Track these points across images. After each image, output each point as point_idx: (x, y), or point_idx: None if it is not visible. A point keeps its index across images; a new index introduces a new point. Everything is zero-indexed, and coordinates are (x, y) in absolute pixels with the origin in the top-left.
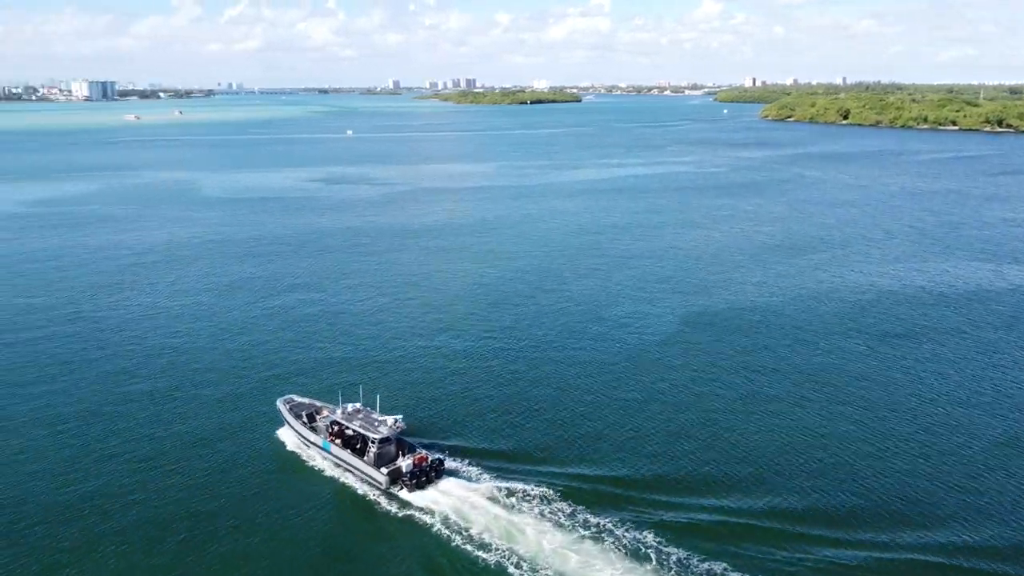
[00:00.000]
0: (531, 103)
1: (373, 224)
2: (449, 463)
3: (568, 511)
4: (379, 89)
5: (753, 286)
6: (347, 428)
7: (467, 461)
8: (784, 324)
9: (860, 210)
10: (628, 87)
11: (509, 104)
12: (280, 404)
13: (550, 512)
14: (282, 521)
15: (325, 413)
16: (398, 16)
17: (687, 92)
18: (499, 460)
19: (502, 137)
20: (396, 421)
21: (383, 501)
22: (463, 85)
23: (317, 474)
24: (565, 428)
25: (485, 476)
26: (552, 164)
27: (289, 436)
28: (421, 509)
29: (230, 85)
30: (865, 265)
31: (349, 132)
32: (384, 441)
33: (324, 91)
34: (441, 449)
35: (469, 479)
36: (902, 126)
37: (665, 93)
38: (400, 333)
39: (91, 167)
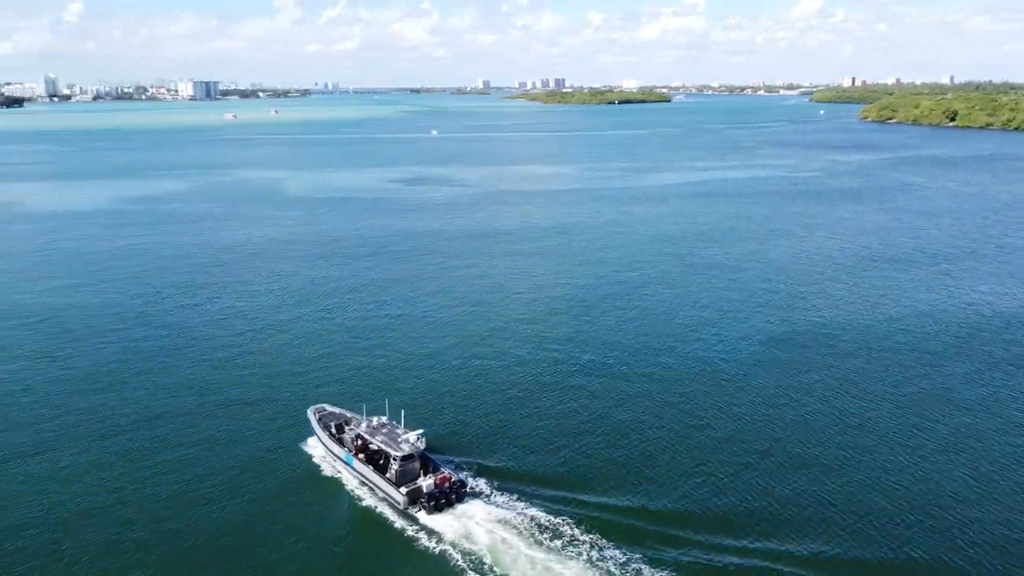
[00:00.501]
0: (619, 103)
1: (446, 227)
2: (475, 483)
3: (601, 547)
4: (469, 89)
5: (847, 303)
6: (371, 443)
7: (496, 482)
8: (882, 347)
9: (969, 221)
10: (720, 87)
11: (596, 104)
12: (311, 413)
13: (581, 547)
14: (291, 537)
15: (353, 425)
16: (490, 16)
17: (782, 92)
18: (531, 484)
19: (585, 138)
20: (418, 437)
21: (400, 522)
22: (552, 85)
23: (338, 489)
24: (613, 452)
25: (513, 501)
26: (635, 166)
27: (317, 447)
28: (438, 534)
29: (326, 85)
30: (975, 283)
31: (434, 132)
32: (406, 458)
33: (416, 91)
34: (470, 468)
35: (494, 503)
36: (1016, 128)
37: (759, 93)
38: (450, 343)
39: (185, 165)
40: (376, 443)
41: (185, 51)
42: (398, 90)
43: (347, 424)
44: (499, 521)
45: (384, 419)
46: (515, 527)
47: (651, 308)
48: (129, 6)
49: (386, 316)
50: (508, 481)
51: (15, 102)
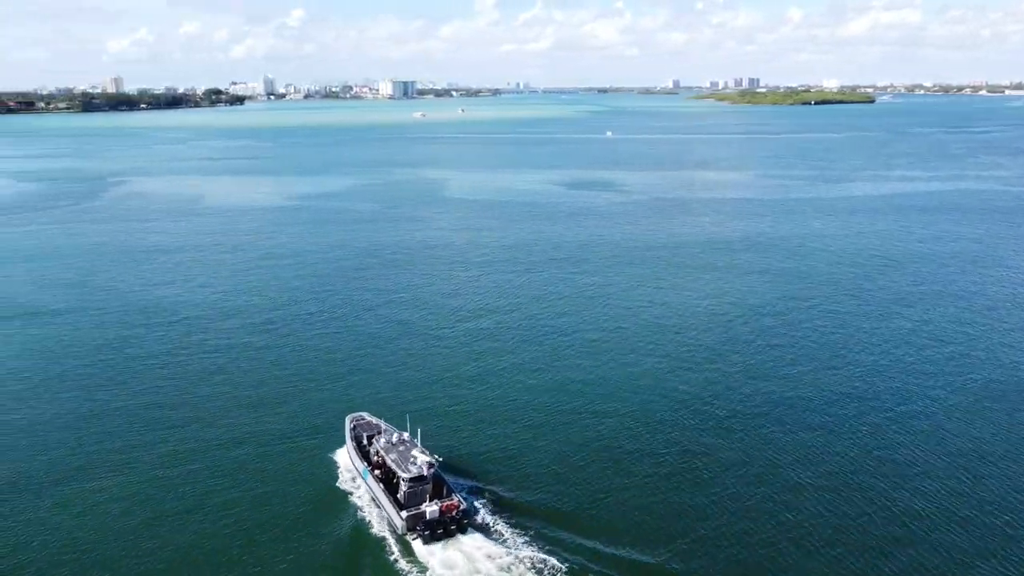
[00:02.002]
0: (814, 104)
1: (593, 237)
2: (484, 513)
3: None
4: (658, 88)
5: None
6: (386, 460)
7: (505, 514)
8: None
9: None
10: (934, 86)
11: (790, 105)
12: (347, 421)
13: None
14: (279, 547)
15: (376, 438)
16: (683, 15)
17: (1007, 92)
18: (543, 521)
19: (772, 141)
20: (430, 460)
21: (392, 547)
22: (745, 84)
23: (345, 503)
24: (642, 502)
25: (515, 537)
26: (823, 174)
27: (343, 456)
28: (423, 567)
29: (517, 85)
30: None
31: (608, 133)
32: (415, 480)
33: (604, 90)
34: (485, 494)
35: (495, 538)
36: None
37: (980, 93)
38: (535, 368)
39: (362, 163)
40: (389, 461)
41: (389, 52)
42: (586, 90)
43: (376, 436)
44: (493, 560)
45: (406, 436)
46: (506, 569)
47: (798, 344)
48: (343, 11)
49: (488, 331)
50: (518, 515)
51: (237, 100)
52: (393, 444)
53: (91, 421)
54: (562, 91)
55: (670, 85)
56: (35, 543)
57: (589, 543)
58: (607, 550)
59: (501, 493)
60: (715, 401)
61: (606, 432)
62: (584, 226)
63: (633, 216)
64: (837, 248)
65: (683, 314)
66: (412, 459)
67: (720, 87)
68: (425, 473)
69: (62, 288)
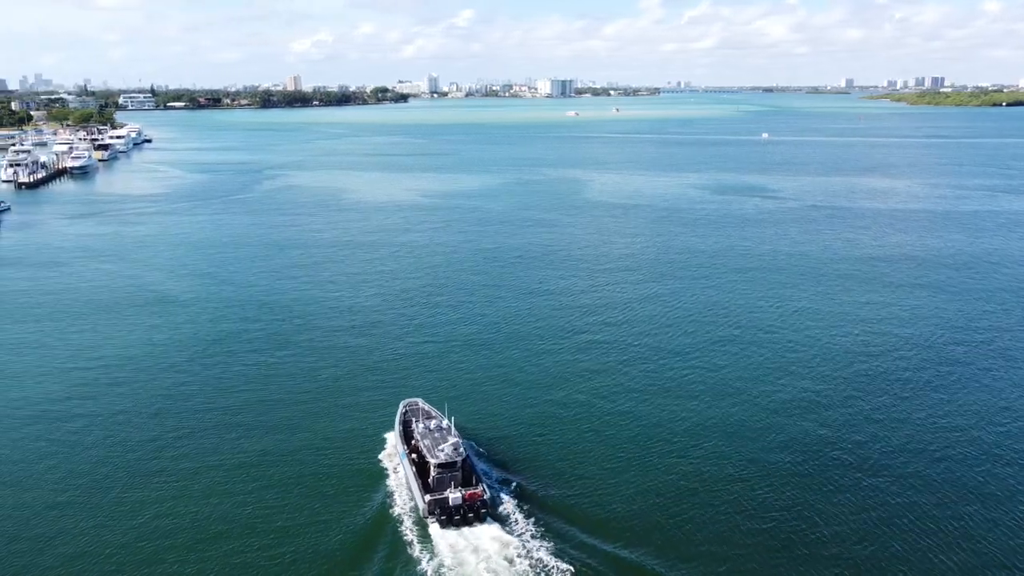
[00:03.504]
0: (1006, 105)
1: (735, 245)
2: (508, 504)
3: None
4: (828, 88)
5: None
6: (420, 444)
7: (530, 511)
8: None
9: None
10: None
11: (977, 106)
12: (400, 405)
13: None
14: (303, 520)
15: (415, 423)
16: (862, 10)
17: None
18: (569, 521)
19: (950, 146)
20: (460, 452)
21: (411, 529)
22: (927, 84)
23: (380, 484)
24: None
25: (534, 534)
26: (1009, 184)
27: (390, 439)
28: (433, 551)
29: (678, 84)
30: None
31: (765, 135)
32: (443, 466)
33: (768, 90)
34: (515, 490)
35: (511, 531)
36: None
37: None
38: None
39: (506, 161)
40: (423, 446)
41: (553, 52)
42: (750, 89)
43: (423, 419)
44: (502, 550)
45: (444, 423)
46: (510, 561)
47: (979, 402)
48: (510, 12)
49: (583, 336)
50: (542, 512)
51: (401, 98)
52: (430, 430)
53: (182, 411)
54: (724, 90)
55: (842, 84)
56: (116, 538)
57: (607, 548)
58: (623, 556)
59: (531, 489)
60: (825, 448)
61: (673, 457)
62: (725, 234)
63: (782, 225)
64: (1011, 272)
65: (819, 337)
66: (443, 445)
67: (898, 87)
68: (454, 460)
69: (193, 278)
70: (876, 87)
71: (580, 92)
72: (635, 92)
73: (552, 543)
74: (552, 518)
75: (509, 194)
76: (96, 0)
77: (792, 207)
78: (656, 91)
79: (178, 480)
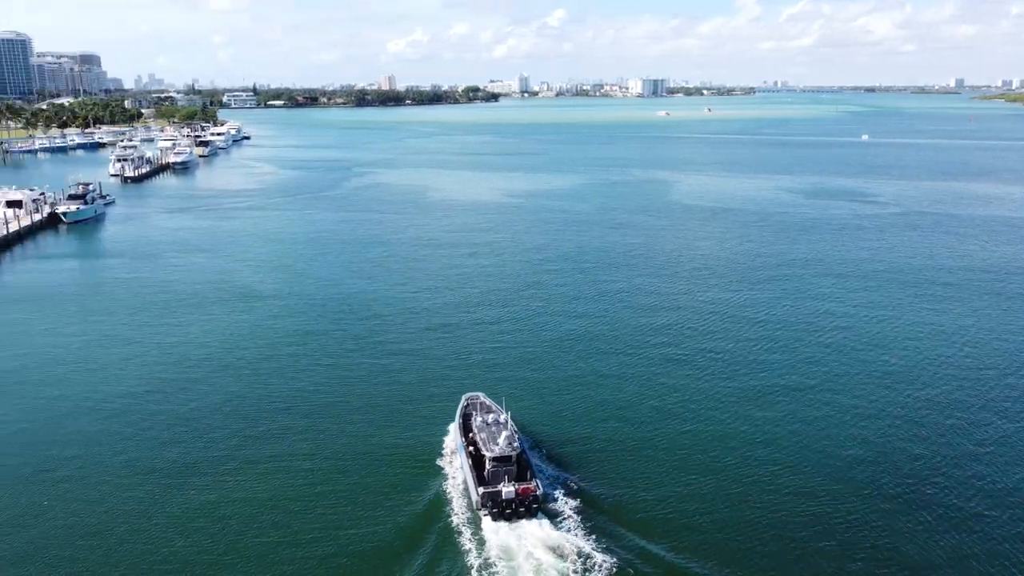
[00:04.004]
0: None
1: (827, 252)
2: (561, 504)
3: None
4: (935, 88)
5: None
6: (476, 437)
7: (585, 510)
8: None
9: None
10: None
11: None
12: (463, 398)
13: None
14: (353, 504)
15: (474, 416)
16: (975, 6)
17: None
18: (629, 528)
19: None
20: (515, 447)
21: (463, 521)
22: None
23: (437, 475)
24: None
25: (585, 533)
26: None
27: (451, 432)
28: (483, 543)
29: (774, 83)
30: None
31: (865, 136)
32: (497, 460)
33: (871, 90)
34: (572, 488)
35: (562, 528)
36: None
37: None
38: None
39: (592, 161)
40: (479, 439)
41: (645, 51)
42: (851, 89)
43: (482, 413)
44: (549, 547)
45: (503, 417)
46: (560, 557)
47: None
48: (603, 11)
49: (659, 338)
50: (596, 512)
51: (492, 97)
52: (487, 424)
53: (257, 403)
54: (822, 90)
55: (951, 84)
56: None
57: (658, 552)
58: (674, 561)
59: (586, 488)
60: (917, 468)
61: (742, 467)
62: (818, 241)
63: (882, 232)
64: None
65: (920, 352)
66: (499, 439)
67: (1014, 86)
68: (508, 454)
69: (277, 273)
70: (989, 87)
71: (672, 92)
72: (729, 92)
73: (602, 542)
74: (604, 518)
75: (594, 195)
76: (207, 3)
77: (893, 213)
78: (751, 91)
79: (246, 469)
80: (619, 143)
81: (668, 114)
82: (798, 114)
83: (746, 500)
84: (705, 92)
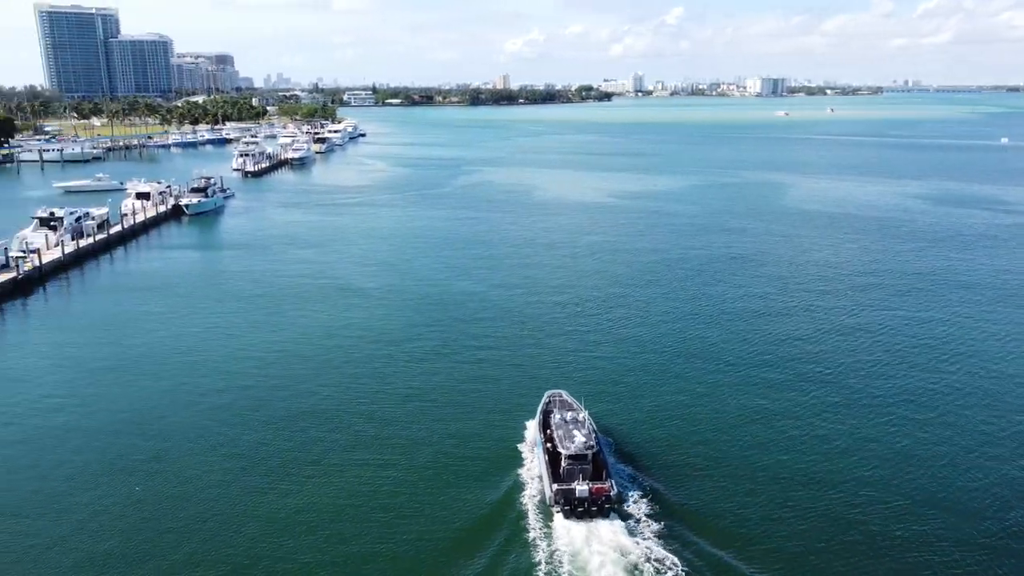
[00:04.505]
0: None
1: (957, 265)
2: (635, 506)
3: None
4: None
5: None
6: (554, 434)
7: (661, 513)
8: None
9: None
10: None
11: None
12: (544, 396)
13: None
14: (440, 496)
15: (553, 413)
16: None
17: None
18: (705, 535)
19: None
20: (590, 445)
21: (535, 516)
22: None
23: (512, 469)
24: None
25: (658, 537)
26: None
27: (533, 428)
28: (552, 540)
29: (905, 83)
30: None
31: (1004, 140)
32: (573, 458)
33: (1014, 89)
34: (649, 490)
35: (634, 531)
36: None
37: None
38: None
39: (703, 162)
40: (556, 436)
41: (765, 49)
42: (991, 88)
43: (561, 411)
44: (619, 548)
45: (581, 415)
46: (630, 560)
47: None
48: (723, 8)
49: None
50: (671, 517)
51: (605, 96)
52: (566, 421)
53: (342, 397)
54: (958, 89)
55: None
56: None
57: (731, 562)
58: (744, 571)
59: (663, 492)
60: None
61: (830, 486)
62: (946, 252)
63: (1020, 243)
64: None
65: None
66: (575, 437)
67: None
68: (584, 452)
69: (376, 269)
70: None
71: (792, 91)
72: (854, 91)
73: (674, 548)
74: (679, 525)
75: (702, 198)
76: (332, 4)
77: None
78: (878, 90)
79: (322, 463)
80: (733, 144)
81: (787, 114)
82: (929, 115)
83: (839, 521)
84: (828, 92)
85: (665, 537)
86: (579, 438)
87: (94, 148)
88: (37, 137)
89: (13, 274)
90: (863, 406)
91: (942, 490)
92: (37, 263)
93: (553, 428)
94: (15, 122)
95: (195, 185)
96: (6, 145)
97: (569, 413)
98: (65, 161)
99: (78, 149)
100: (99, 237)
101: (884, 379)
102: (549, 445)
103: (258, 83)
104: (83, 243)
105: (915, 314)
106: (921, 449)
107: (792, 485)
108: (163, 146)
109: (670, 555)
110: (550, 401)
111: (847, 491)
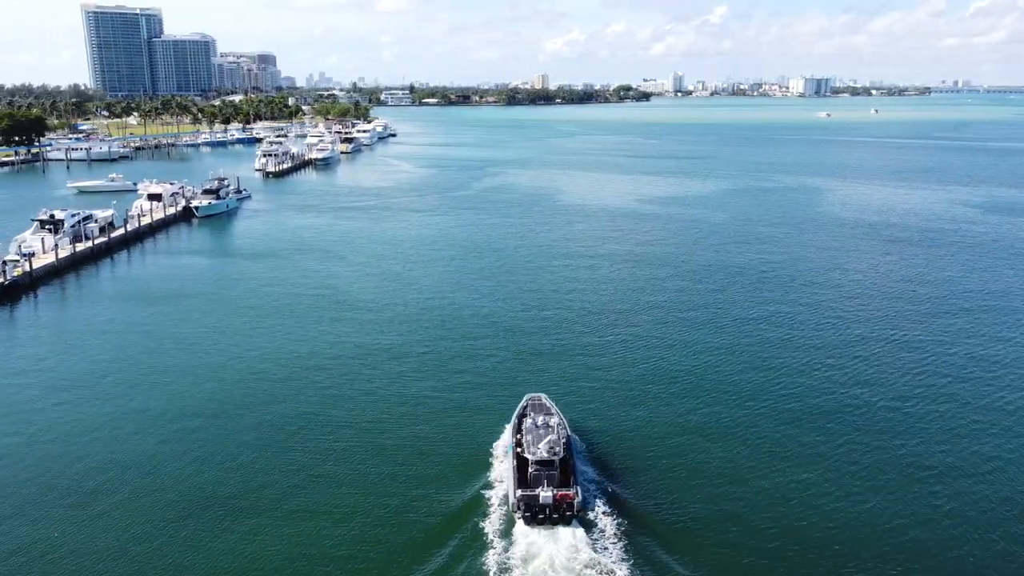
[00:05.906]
0: None
1: (1004, 278)
2: (599, 514)
3: None
4: None
5: None
6: (523, 439)
7: (626, 523)
8: None
9: None
10: None
11: None
12: (524, 399)
13: None
14: (401, 499)
15: (527, 418)
16: None
17: None
18: (668, 549)
19: None
20: (556, 451)
21: (497, 522)
22: None
23: (481, 473)
24: None
25: (617, 548)
26: None
27: (507, 432)
28: (510, 545)
29: (955, 83)
30: None
31: None
32: (540, 463)
33: None
34: (615, 498)
35: (595, 539)
36: None
37: None
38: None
39: (738, 164)
40: (525, 441)
41: (810, 48)
42: None
43: (533, 416)
44: (577, 556)
45: (554, 420)
46: (589, 567)
47: None
48: (768, 7)
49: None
50: (637, 527)
51: (644, 96)
52: (537, 426)
53: (329, 411)
54: (1011, 90)
55: None
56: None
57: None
58: None
59: (632, 503)
60: None
61: (817, 510)
62: (994, 264)
63: None
64: None
65: None
66: (543, 443)
67: None
68: (551, 458)
69: (380, 279)
70: None
71: (837, 91)
72: (901, 92)
73: (635, 560)
74: (644, 536)
75: (734, 203)
76: (374, 4)
77: None
78: (926, 91)
79: (313, 474)
80: (770, 146)
81: (829, 115)
82: (979, 116)
83: (814, 538)
84: (874, 92)
85: (627, 548)
86: (546, 443)
87: (122, 147)
88: (69, 136)
89: (0, 279)
90: (864, 421)
91: (934, 513)
92: (28, 268)
93: (523, 432)
94: (46, 120)
95: (207, 186)
96: (36, 144)
97: (542, 417)
98: (92, 160)
99: (105, 148)
100: (100, 241)
101: (885, 387)
102: (519, 450)
103: (300, 83)
104: (81, 247)
105: (938, 337)
106: (909, 470)
107: (766, 504)
108: (193, 145)
109: (628, 566)
110: (528, 404)
111: (823, 508)
